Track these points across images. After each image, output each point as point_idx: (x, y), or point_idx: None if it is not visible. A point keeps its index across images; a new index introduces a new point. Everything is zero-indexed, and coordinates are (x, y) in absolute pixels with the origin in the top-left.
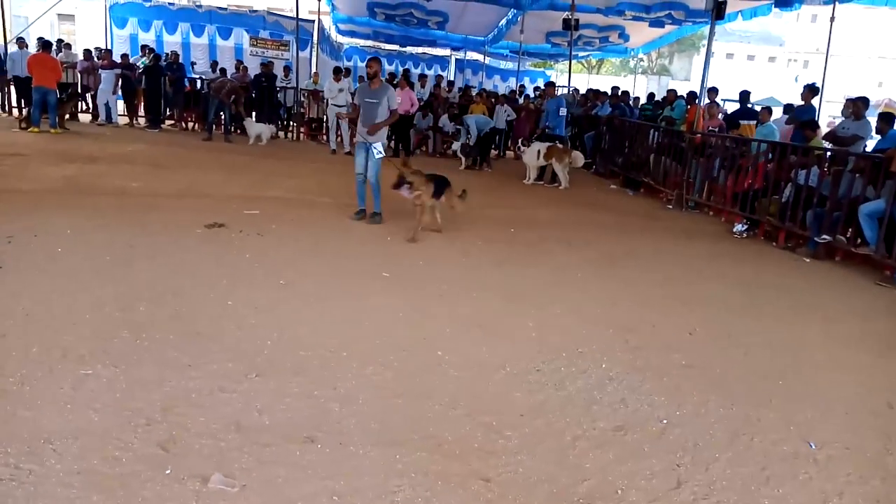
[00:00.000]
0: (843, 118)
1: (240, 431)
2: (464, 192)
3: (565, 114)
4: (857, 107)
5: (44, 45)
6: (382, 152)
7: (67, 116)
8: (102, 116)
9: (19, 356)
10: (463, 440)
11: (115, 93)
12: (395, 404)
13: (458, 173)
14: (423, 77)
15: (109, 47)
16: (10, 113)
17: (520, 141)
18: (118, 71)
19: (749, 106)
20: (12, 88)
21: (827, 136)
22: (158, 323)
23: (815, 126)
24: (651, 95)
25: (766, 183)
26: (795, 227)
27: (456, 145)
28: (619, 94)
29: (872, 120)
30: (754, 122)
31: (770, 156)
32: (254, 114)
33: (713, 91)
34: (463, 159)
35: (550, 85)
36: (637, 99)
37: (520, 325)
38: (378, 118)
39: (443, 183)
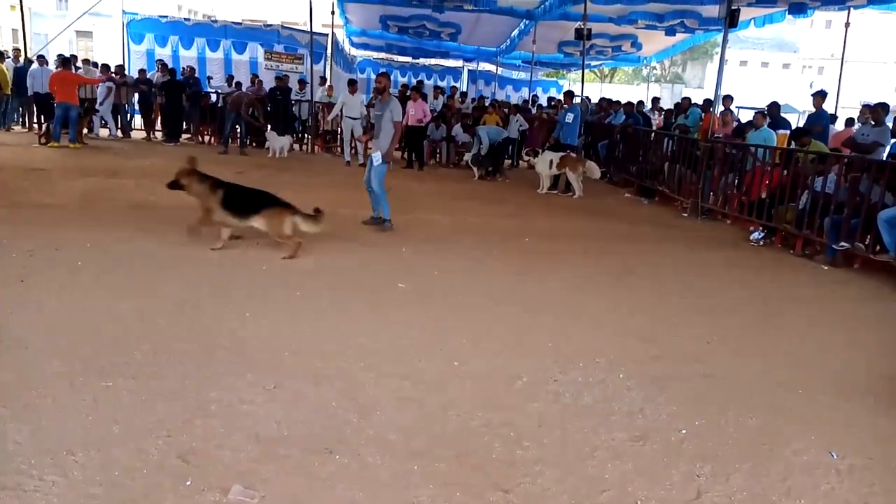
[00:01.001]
0: (860, 125)
1: (259, 443)
2: (316, 211)
3: (572, 120)
4: (877, 113)
5: (64, 61)
6: (380, 159)
7: (86, 131)
8: (111, 131)
9: (42, 368)
10: (481, 451)
11: (102, 103)
12: (413, 415)
13: (472, 183)
14: (437, 89)
15: (126, 63)
16: (31, 129)
17: (524, 151)
18: (110, 84)
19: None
20: (33, 105)
21: (846, 143)
22: (177, 335)
23: (806, 133)
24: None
25: (775, 188)
26: (813, 234)
27: (468, 156)
28: (653, 101)
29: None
30: (787, 131)
31: (765, 160)
32: (269, 126)
33: (728, 99)
34: (475, 170)
35: (569, 94)
36: (641, 103)
37: (536, 335)
38: (383, 130)
39: (255, 200)
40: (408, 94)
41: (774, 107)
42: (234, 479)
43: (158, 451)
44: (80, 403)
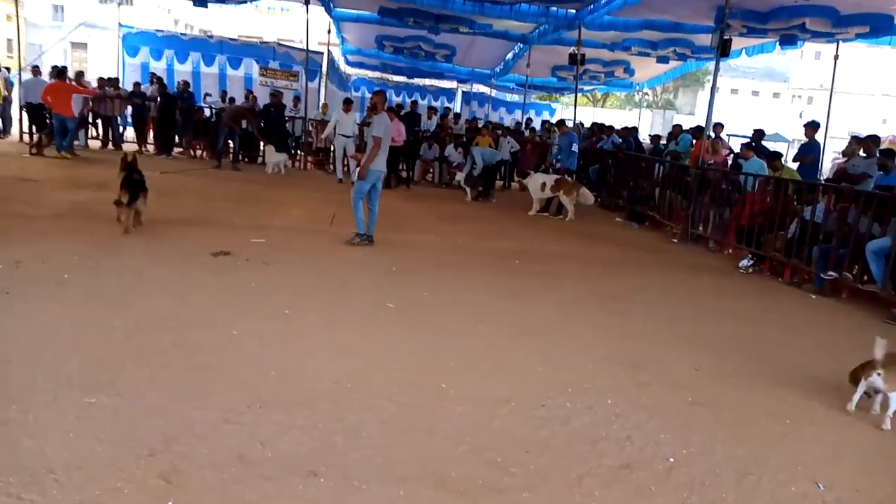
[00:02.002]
0: (845, 155)
1: (243, 464)
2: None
3: (570, 146)
4: (868, 146)
5: (59, 72)
6: (355, 175)
7: (77, 142)
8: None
9: (24, 383)
10: (468, 477)
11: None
12: (400, 439)
13: (463, 204)
14: (431, 109)
15: (120, 75)
16: (22, 139)
17: (516, 174)
18: (85, 97)
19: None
20: (24, 115)
21: (837, 174)
22: (163, 352)
23: (779, 156)
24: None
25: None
26: (801, 263)
27: (460, 176)
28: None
29: None
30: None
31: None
32: (262, 143)
33: (718, 126)
34: (468, 190)
35: (561, 123)
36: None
37: (525, 360)
38: (368, 146)
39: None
40: (402, 113)
41: (759, 134)
42: (217, 501)
43: (140, 470)
44: (63, 420)
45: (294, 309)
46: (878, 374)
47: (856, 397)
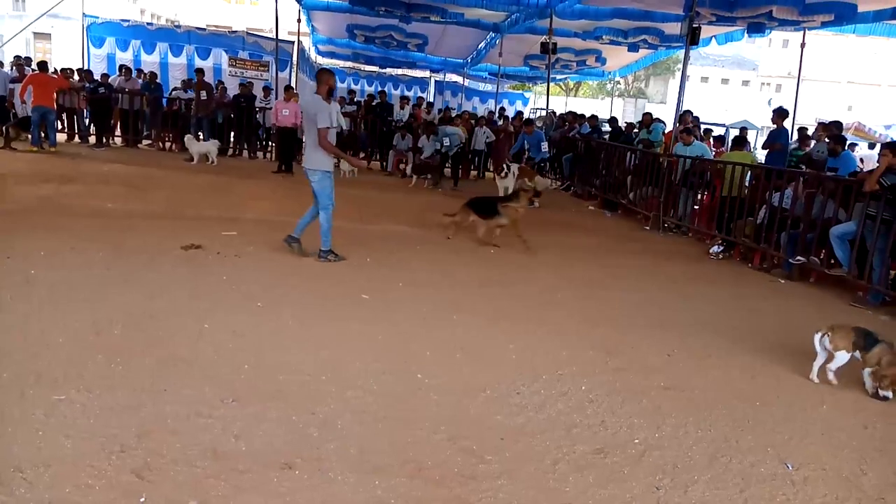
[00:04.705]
0: (815, 142)
1: (216, 458)
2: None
3: (545, 148)
4: (831, 130)
5: (41, 64)
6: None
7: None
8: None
9: None
10: (443, 465)
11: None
12: (376, 429)
13: (436, 194)
14: (404, 99)
15: (86, 66)
16: None
17: (494, 170)
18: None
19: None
20: None
21: (803, 160)
22: (134, 347)
23: (745, 142)
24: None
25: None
26: (770, 248)
27: (408, 168)
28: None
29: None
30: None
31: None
32: (201, 133)
33: (687, 114)
34: (414, 178)
35: (529, 122)
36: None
37: (500, 348)
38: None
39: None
40: (374, 103)
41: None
42: (190, 496)
43: (112, 466)
44: (31, 418)
45: (267, 301)
46: (827, 335)
47: (816, 363)
